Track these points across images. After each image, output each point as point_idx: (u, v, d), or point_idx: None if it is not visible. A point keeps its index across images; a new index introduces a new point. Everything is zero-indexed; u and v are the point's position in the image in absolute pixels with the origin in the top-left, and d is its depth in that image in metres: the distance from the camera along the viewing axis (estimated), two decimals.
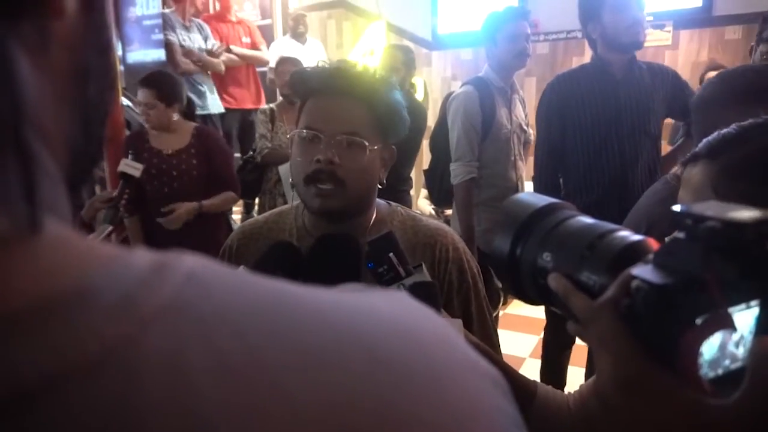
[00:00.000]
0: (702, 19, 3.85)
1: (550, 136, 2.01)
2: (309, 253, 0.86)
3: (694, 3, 3.86)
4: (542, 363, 2.29)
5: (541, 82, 4.36)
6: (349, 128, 0.90)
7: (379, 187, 0.97)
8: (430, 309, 0.26)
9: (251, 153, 2.91)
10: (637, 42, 1.88)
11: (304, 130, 0.91)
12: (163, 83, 2.28)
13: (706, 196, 0.72)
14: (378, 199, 1.03)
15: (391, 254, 0.77)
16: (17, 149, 0.19)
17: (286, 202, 2.80)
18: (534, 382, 0.77)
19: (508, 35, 2.18)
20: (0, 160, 0.19)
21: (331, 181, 0.89)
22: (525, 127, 2.40)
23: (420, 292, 0.74)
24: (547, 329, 2.28)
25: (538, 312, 2.29)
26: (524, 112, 2.45)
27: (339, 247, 0.87)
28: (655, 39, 3.96)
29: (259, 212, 3.10)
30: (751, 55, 2.11)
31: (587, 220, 0.50)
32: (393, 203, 1.05)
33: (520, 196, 0.55)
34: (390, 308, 0.24)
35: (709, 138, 0.75)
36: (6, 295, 0.18)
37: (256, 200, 3.33)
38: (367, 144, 0.90)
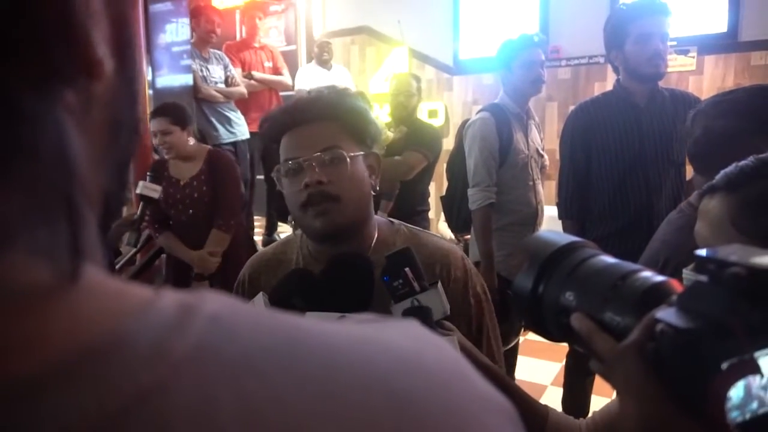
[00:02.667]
0: (727, 45, 3.81)
1: (575, 163, 2.02)
2: (321, 275, 0.87)
3: (719, 28, 3.84)
4: (564, 390, 2.24)
5: (563, 107, 4.36)
6: (324, 144, 0.92)
7: (373, 194, 0.98)
8: (443, 340, 0.27)
9: None
10: (657, 73, 1.89)
11: (287, 162, 0.94)
12: (174, 109, 2.39)
13: (724, 230, 0.71)
14: (379, 218, 1.03)
15: (407, 269, 0.78)
16: (68, 210, 0.21)
17: None
18: (545, 407, 0.76)
19: (523, 63, 2.20)
20: (51, 218, 0.20)
21: (324, 200, 0.91)
22: (541, 152, 2.40)
23: (412, 316, 0.76)
24: (569, 355, 2.24)
25: None
26: (540, 136, 2.45)
27: (351, 266, 0.88)
28: (679, 64, 3.93)
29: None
30: None
31: (609, 259, 0.50)
32: (396, 221, 1.05)
33: (541, 233, 0.55)
34: (407, 343, 0.25)
35: (727, 170, 0.74)
36: (48, 344, 0.18)
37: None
38: (345, 154, 0.92)
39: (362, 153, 0.96)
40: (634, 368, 0.42)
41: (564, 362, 2.30)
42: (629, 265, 0.48)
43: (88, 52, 0.21)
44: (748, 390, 0.39)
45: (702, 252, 0.39)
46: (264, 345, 0.21)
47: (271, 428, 0.19)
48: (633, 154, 1.91)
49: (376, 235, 1.00)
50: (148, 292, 0.22)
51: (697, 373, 0.38)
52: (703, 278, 0.39)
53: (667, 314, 0.40)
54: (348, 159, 0.92)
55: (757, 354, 0.38)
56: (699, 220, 0.78)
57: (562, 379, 2.29)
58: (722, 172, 0.76)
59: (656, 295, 0.44)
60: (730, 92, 1.23)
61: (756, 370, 0.38)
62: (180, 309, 0.21)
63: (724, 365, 0.37)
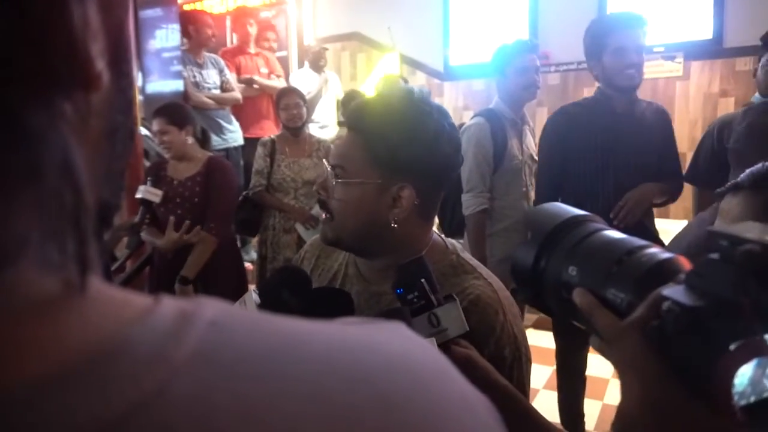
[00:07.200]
0: (713, 51, 3.87)
1: (552, 164, 2.06)
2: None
3: (705, 35, 3.90)
4: (559, 394, 2.24)
5: (552, 112, 4.39)
6: (337, 160, 0.88)
7: (393, 225, 0.86)
8: (427, 342, 0.28)
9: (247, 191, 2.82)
10: (631, 85, 1.94)
11: None
12: (172, 109, 2.39)
13: None
14: (437, 238, 0.95)
15: (423, 280, 0.73)
16: (75, 225, 0.21)
17: (290, 238, 2.77)
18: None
19: (517, 68, 2.22)
20: (59, 233, 0.21)
21: (324, 208, 0.90)
22: (535, 158, 2.41)
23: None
24: (557, 357, 2.24)
25: (553, 342, 2.24)
26: (534, 142, 2.46)
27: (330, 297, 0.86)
28: (666, 70, 3.98)
29: (259, 250, 2.86)
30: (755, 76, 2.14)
31: (615, 234, 0.48)
32: (452, 246, 0.94)
33: (546, 206, 0.53)
34: (393, 345, 0.26)
35: (753, 169, 0.73)
36: (59, 351, 0.19)
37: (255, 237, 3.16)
38: (342, 178, 0.86)
39: (375, 182, 0.85)
40: (635, 345, 0.41)
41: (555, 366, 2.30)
42: (636, 241, 0.46)
43: (88, 68, 0.21)
44: (755, 372, 0.38)
45: (715, 228, 0.38)
46: (260, 349, 0.22)
47: (266, 429, 0.20)
48: (605, 159, 1.95)
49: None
50: (148, 300, 0.22)
51: (703, 353, 0.37)
52: (715, 256, 0.38)
53: (674, 291, 0.39)
54: (351, 183, 0.86)
55: (767, 336, 0.37)
56: (719, 218, 0.76)
57: (554, 383, 2.28)
58: (748, 170, 0.74)
59: (662, 272, 0.42)
60: None
61: (765, 351, 0.37)
62: (179, 315, 0.22)
63: (732, 346, 0.37)
